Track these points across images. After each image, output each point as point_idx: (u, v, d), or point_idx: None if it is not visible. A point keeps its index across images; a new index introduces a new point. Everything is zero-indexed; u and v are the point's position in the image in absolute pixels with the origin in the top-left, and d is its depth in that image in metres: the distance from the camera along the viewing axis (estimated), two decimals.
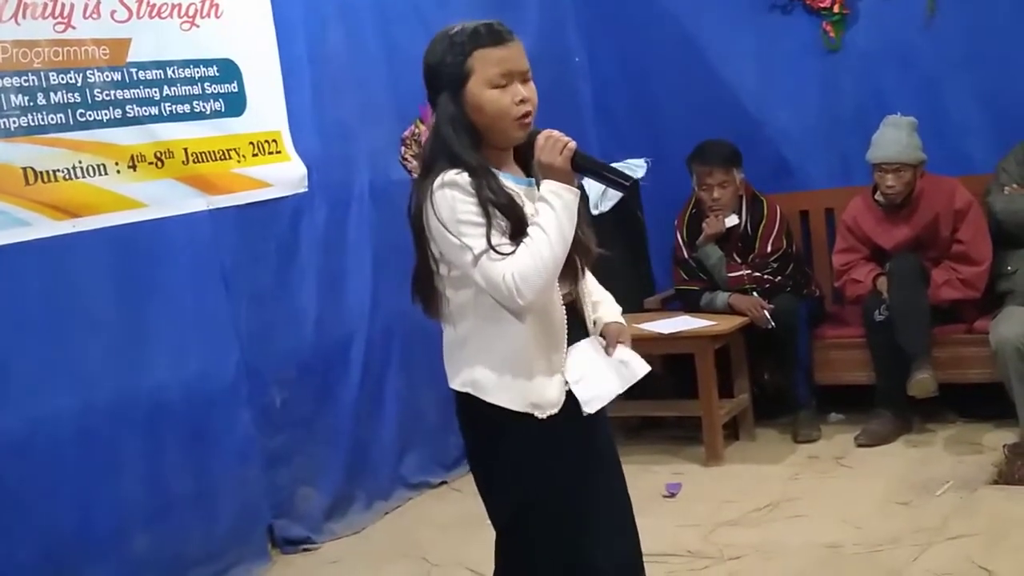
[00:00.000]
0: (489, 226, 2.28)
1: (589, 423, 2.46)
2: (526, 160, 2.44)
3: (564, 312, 2.44)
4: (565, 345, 2.44)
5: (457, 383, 2.44)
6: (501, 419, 2.39)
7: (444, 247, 2.34)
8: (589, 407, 2.44)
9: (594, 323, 2.57)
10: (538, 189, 2.37)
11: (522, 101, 2.36)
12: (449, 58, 2.36)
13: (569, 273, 2.43)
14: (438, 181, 2.32)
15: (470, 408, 2.43)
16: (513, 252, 2.28)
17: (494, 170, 2.37)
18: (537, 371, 2.39)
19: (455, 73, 2.35)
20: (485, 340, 2.38)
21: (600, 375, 2.47)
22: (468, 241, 2.29)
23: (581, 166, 2.37)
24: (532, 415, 2.38)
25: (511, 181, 2.39)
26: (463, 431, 2.51)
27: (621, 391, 2.50)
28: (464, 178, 2.31)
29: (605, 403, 2.48)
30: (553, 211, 2.31)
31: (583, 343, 2.49)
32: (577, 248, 2.42)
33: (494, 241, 2.28)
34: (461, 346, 2.42)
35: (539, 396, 2.39)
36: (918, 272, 4.97)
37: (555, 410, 2.40)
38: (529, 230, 2.31)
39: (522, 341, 2.36)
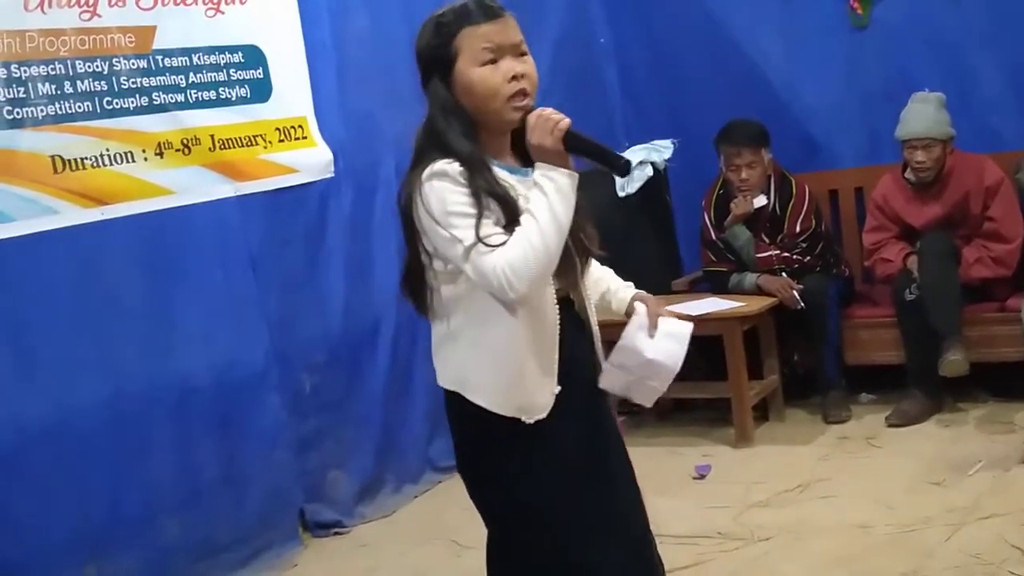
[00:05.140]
0: (479, 217, 2.14)
1: (584, 422, 2.35)
2: (524, 149, 2.24)
3: (557, 312, 2.28)
4: (557, 347, 2.28)
5: (445, 381, 2.32)
6: (488, 420, 2.26)
7: (435, 241, 2.20)
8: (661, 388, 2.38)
9: (607, 301, 2.47)
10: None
11: (514, 77, 2.20)
12: (436, 40, 2.24)
13: (567, 270, 2.29)
14: (427, 172, 2.19)
15: (457, 407, 2.31)
16: (504, 243, 2.13)
17: (487, 160, 2.23)
18: (527, 373, 2.24)
19: (442, 55, 2.23)
20: (475, 337, 2.25)
21: (657, 365, 2.36)
22: (458, 233, 2.14)
23: (575, 146, 2.19)
24: (519, 419, 2.25)
25: (505, 172, 2.24)
26: (451, 429, 2.38)
27: (680, 363, 2.38)
28: (455, 167, 2.17)
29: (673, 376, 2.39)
30: (545, 197, 2.15)
31: (626, 344, 2.36)
32: (576, 246, 2.30)
33: (483, 232, 2.13)
34: (451, 342, 2.29)
35: (527, 400, 2.25)
36: (949, 251, 4.92)
37: (543, 415, 2.26)
38: (521, 219, 2.16)
39: (513, 340, 2.22)
